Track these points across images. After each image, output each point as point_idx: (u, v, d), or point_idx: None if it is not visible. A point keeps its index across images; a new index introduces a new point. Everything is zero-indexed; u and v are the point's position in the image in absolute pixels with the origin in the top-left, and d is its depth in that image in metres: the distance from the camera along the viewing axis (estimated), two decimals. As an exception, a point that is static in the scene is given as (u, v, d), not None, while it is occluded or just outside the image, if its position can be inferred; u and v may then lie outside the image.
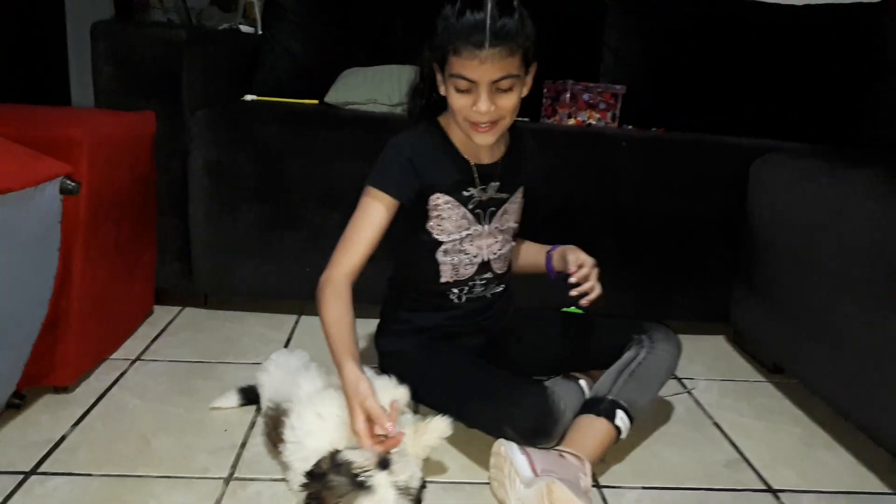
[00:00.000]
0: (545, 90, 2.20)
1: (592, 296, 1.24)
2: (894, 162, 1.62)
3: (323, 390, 1.16)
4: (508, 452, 1.13)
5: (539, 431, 1.18)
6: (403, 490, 1.00)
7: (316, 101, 2.11)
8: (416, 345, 1.37)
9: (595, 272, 1.27)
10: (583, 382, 1.39)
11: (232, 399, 1.38)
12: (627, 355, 1.29)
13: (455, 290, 1.35)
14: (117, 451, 1.20)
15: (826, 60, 2.30)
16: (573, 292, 1.24)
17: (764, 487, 1.22)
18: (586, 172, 1.80)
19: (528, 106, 2.14)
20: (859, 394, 1.28)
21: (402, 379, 1.22)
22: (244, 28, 2.48)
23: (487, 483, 1.18)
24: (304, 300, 1.86)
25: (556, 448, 1.17)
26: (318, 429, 1.09)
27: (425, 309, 1.38)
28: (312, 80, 2.17)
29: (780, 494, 1.20)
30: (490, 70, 1.10)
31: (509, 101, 1.15)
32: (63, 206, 1.25)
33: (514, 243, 1.39)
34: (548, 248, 1.42)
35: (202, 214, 1.77)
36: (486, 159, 1.29)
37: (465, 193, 1.27)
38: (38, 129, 1.33)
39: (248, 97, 2.11)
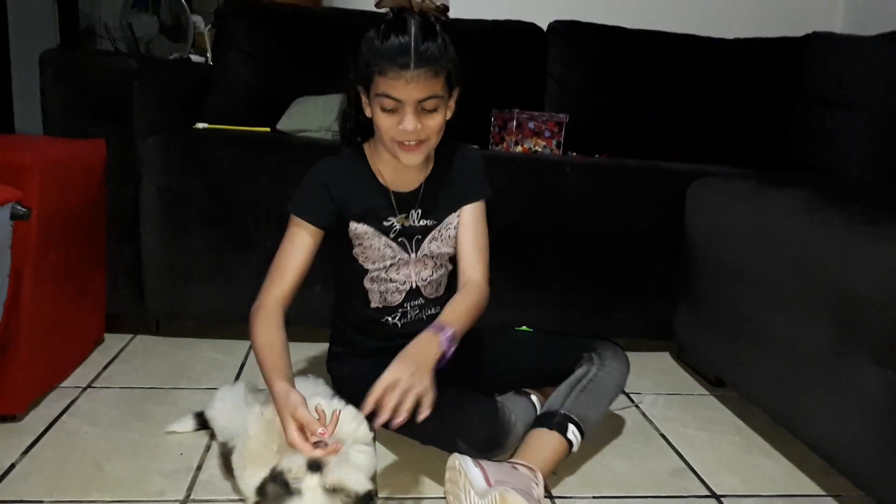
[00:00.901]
0: (493, 119, 2.27)
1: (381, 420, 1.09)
2: (815, 182, 1.73)
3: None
4: (462, 465, 1.16)
5: (491, 443, 1.21)
6: (335, 492, 1.02)
7: (268, 129, 2.13)
8: (367, 365, 1.37)
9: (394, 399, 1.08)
10: (534, 397, 1.44)
11: (187, 423, 1.37)
12: (579, 372, 1.33)
13: (388, 318, 1.37)
14: (68, 477, 1.19)
15: (756, 89, 2.44)
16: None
17: (708, 493, 1.28)
18: (533, 197, 1.86)
19: (477, 134, 2.26)
20: (792, 401, 1.36)
21: (356, 401, 1.23)
22: (194, 57, 2.49)
23: (443, 497, 1.20)
24: (257, 325, 1.87)
25: (509, 461, 1.20)
26: (251, 473, 1.10)
27: (367, 333, 1.40)
28: (263, 109, 2.20)
29: (723, 500, 1.26)
30: (415, 90, 1.14)
31: (434, 122, 1.19)
32: (13, 231, 1.25)
33: (449, 267, 1.39)
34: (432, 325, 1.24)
35: (154, 239, 1.77)
36: (405, 186, 1.31)
37: (386, 223, 1.30)
38: (-10, 154, 1.33)
39: (200, 125, 2.11)
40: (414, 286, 1.35)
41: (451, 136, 1.33)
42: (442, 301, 1.39)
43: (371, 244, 1.30)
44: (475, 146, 1.49)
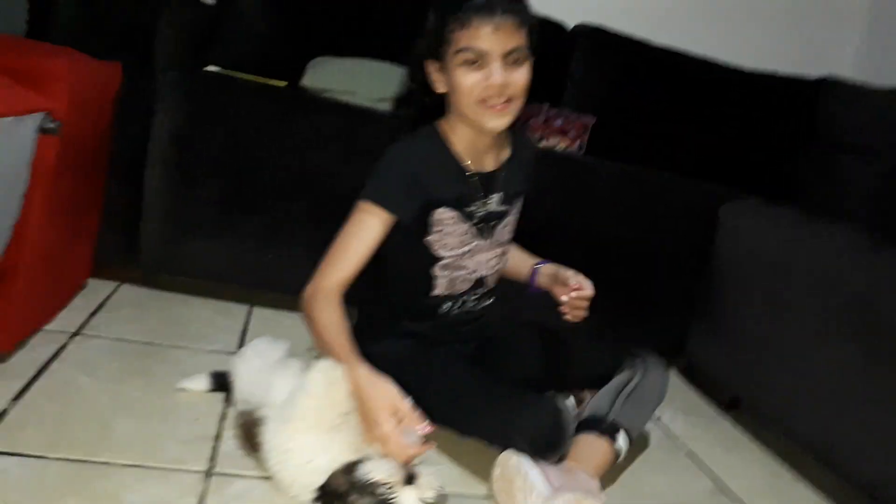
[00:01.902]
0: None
1: (577, 318, 1.25)
2: (854, 221, 1.73)
3: (295, 395, 1.03)
4: (521, 466, 1.07)
5: (551, 445, 1.13)
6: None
7: (284, 83, 1.99)
8: (406, 347, 1.28)
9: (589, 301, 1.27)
10: (570, 401, 1.37)
11: (202, 382, 1.24)
12: (621, 377, 1.25)
13: (447, 305, 1.28)
14: (73, 433, 1.04)
15: (768, 123, 2.46)
16: (565, 311, 1.24)
17: (750, 518, 1.24)
18: (561, 196, 1.80)
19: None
20: (827, 432, 1.33)
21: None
22: (206, -3, 2.31)
23: (488, 497, 1.11)
24: (257, 289, 1.73)
25: (564, 465, 1.12)
26: (301, 446, 0.97)
27: (411, 317, 1.30)
28: (276, 62, 2.05)
29: (766, 526, 1.22)
30: (503, 39, 1.06)
31: (521, 77, 1.10)
32: (37, 146, 1.09)
33: (504, 252, 1.34)
34: (534, 261, 1.39)
35: (160, 184, 1.60)
36: (489, 165, 1.24)
37: (469, 208, 1.22)
38: (17, 57, 1.15)
39: (212, 67, 1.95)
40: (482, 274, 1.28)
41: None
42: (495, 292, 1.34)
43: (454, 230, 1.21)
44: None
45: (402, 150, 1.18)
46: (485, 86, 1.08)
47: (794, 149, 2.44)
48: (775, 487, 1.37)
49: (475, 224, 1.23)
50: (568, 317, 1.29)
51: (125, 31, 1.56)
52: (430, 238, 1.21)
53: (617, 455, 1.16)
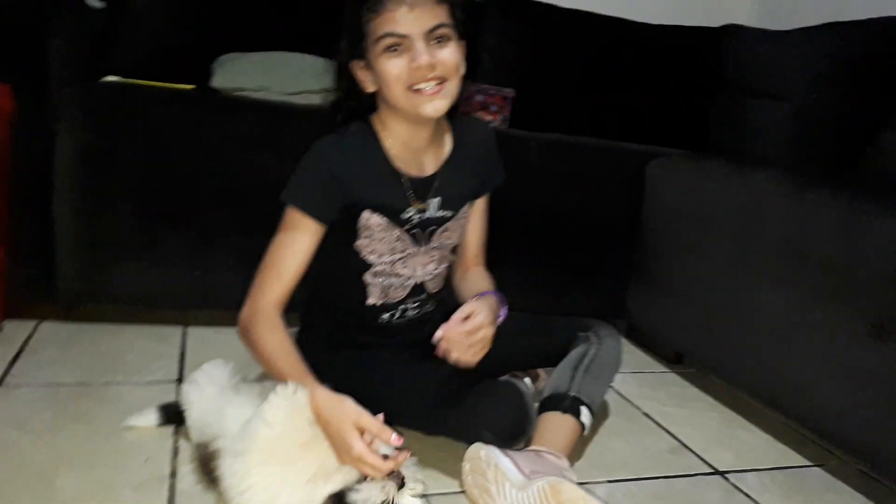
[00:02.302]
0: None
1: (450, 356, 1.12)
2: (778, 166, 1.78)
3: (252, 425, 0.96)
4: (491, 456, 1.07)
5: (517, 432, 1.13)
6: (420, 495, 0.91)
7: (191, 86, 1.89)
8: (352, 355, 1.25)
9: (469, 343, 1.11)
10: (527, 380, 1.37)
11: (150, 417, 1.17)
12: (577, 351, 1.26)
13: (385, 315, 1.25)
14: (12, 498, 0.96)
15: (678, 75, 2.51)
16: (440, 344, 1.12)
17: (712, 471, 1.27)
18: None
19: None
20: (778, 377, 1.39)
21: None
22: (91, 2, 2.16)
23: (460, 492, 1.10)
24: (190, 309, 1.66)
25: (531, 448, 1.12)
26: (263, 481, 0.91)
27: (351, 325, 1.27)
28: (180, 65, 1.95)
29: (727, 475, 1.26)
30: (421, 17, 1.02)
31: (450, 55, 1.05)
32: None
33: (452, 258, 1.30)
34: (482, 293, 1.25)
35: (71, 208, 1.50)
36: (428, 167, 1.18)
37: (403, 215, 1.16)
38: None
39: (110, 78, 1.83)
40: (419, 281, 1.24)
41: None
42: (439, 297, 1.30)
43: (382, 237, 1.16)
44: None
45: (323, 149, 1.12)
46: (412, 69, 1.02)
47: (705, 98, 2.51)
48: (730, 435, 1.42)
49: (408, 231, 1.18)
50: (452, 357, 1.12)
51: (15, 46, 1.43)
52: (358, 243, 1.17)
53: (582, 429, 1.17)
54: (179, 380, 1.37)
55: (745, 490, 1.21)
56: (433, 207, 1.19)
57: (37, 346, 1.46)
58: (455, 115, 1.19)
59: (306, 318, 1.32)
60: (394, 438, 0.91)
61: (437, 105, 1.06)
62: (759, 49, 2.39)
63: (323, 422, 0.95)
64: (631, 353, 1.86)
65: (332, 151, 1.12)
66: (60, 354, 1.43)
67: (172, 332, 1.61)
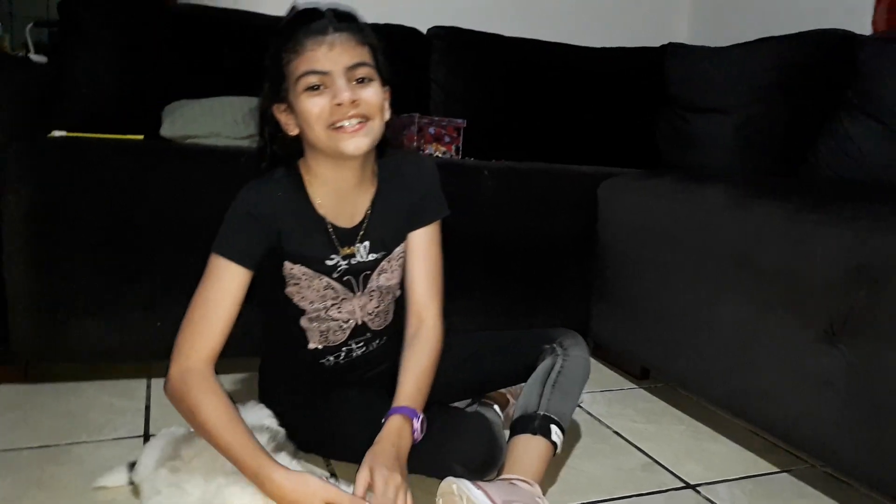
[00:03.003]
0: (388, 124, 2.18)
1: None
2: (726, 180, 1.83)
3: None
4: (463, 489, 1.06)
5: (487, 463, 1.14)
6: None
7: (140, 137, 1.88)
8: (314, 397, 1.24)
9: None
10: (496, 408, 1.38)
11: (120, 475, 1.14)
12: (543, 366, 1.24)
13: (330, 357, 1.23)
14: (-24, 573, 0.93)
15: (623, 95, 2.58)
16: None
17: (683, 485, 1.29)
18: (452, 203, 1.80)
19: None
20: (739, 386, 1.42)
21: (303, 434, 1.17)
22: (34, 57, 2.14)
23: (437, 527, 1.10)
24: (153, 361, 1.63)
25: (503, 477, 1.13)
26: None
27: (303, 372, 1.25)
28: (127, 116, 1.94)
29: (699, 489, 1.28)
30: (342, 55, 1.02)
31: (371, 93, 1.04)
32: None
33: (397, 293, 1.26)
34: (396, 402, 1.13)
35: (23, 267, 1.47)
36: (347, 220, 1.15)
37: (328, 262, 1.14)
38: None
39: (56, 133, 1.81)
40: (360, 322, 1.22)
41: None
42: (388, 331, 1.27)
43: (310, 285, 1.15)
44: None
45: (249, 195, 1.10)
46: (333, 106, 1.02)
47: (651, 116, 2.58)
48: (699, 448, 1.44)
49: (338, 279, 1.16)
50: None
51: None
52: (288, 290, 1.15)
53: (554, 448, 1.16)
54: (146, 434, 1.34)
55: (717, 502, 1.23)
56: (362, 252, 1.17)
57: (-5, 410, 1.43)
58: (384, 153, 1.18)
59: (264, 357, 1.32)
60: None
61: (359, 143, 1.04)
62: (700, 65, 2.47)
63: (287, 502, 0.92)
64: (598, 371, 1.88)
65: (253, 196, 1.10)
66: (19, 417, 1.40)
67: (136, 386, 1.58)
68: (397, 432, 1.08)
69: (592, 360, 1.90)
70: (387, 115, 1.10)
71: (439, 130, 2.13)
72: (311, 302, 1.16)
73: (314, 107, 1.03)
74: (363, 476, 0.99)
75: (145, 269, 1.54)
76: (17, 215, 1.44)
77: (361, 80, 1.04)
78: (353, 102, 1.02)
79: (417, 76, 2.43)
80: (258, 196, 1.10)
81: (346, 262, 1.15)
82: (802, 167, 2.09)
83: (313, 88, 1.03)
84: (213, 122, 1.84)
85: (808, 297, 1.26)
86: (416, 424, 1.10)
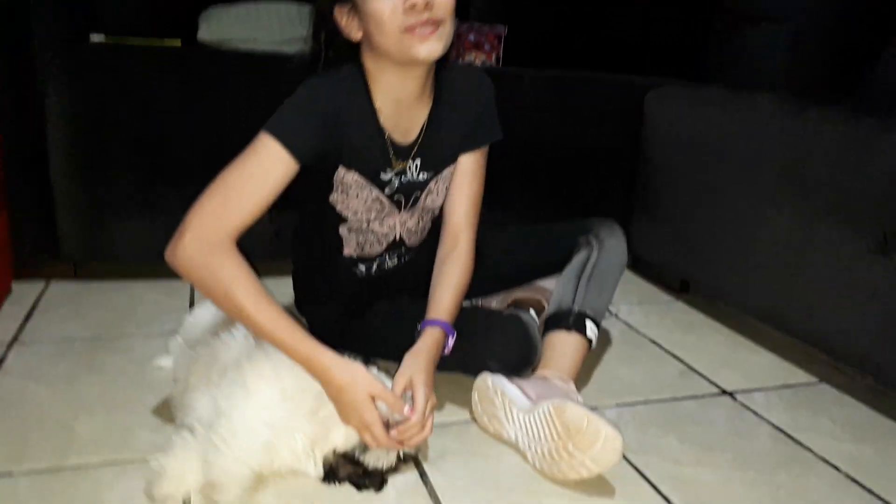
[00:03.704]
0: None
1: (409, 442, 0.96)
2: (779, 89, 1.76)
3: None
4: (498, 384, 1.08)
5: (523, 361, 1.15)
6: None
7: (178, 41, 1.86)
8: (353, 307, 1.24)
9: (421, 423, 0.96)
10: (532, 312, 1.38)
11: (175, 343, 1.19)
12: (579, 258, 1.21)
13: (362, 266, 1.21)
14: (35, 443, 0.99)
15: (675, 3, 2.46)
16: (394, 433, 0.93)
17: (719, 391, 1.29)
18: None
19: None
20: (784, 298, 1.39)
21: (337, 343, 1.09)
22: (73, -40, 2.12)
23: (472, 420, 1.12)
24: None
25: (539, 373, 1.14)
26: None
27: (333, 278, 1.23)
28: (165, 19, 1.93)
29: (735, 395, 1.27)
30: None
31: None
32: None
33: (436, 214, 1.22)
34: (434, 313, 1.11)
35: (67, 171, 1.50)
36: (404, 134, 1.09)
37: (383, 176, 1.10)
38: None
39: (95, 37, 1.81)
40: (398, 237, 1.19)
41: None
42: (422, 248, 1.25)
43: (358, 195, 1.10)
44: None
45: (317, 87, 1.02)
46: (406, 8, 0.94)
47: (702, 26, 2.46)
48: (737, 358, 1.44)
49: (388, 196, 1.12)
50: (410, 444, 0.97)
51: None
52: (333, 197, 1.11)
53: (589, 345, 1.16)
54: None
55: (753, 408, 1.23)
56: (413, 170, 1.12)
57: (48, 304, 1.48)
58: (445, 65, 1.10)
59: (297, 264, 1.32)
60: (407, 410, 0.92)
61: (432, 47, 0.97)
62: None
63: (335, 388, 0.92)
64: (636, 284, 1.86)
65: (319, 90, 1.02)
66: (71, 311, 1.45)
67: (180, 287, 1.62)
68: (436, 345, 1.06)
69: (630, 274, 1.91)
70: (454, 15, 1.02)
71: (479, 38, 2.07)
72: (356, 212, 1.13)
73: (386, 8, 0.94)
74: (402, 382, 0.97)
75: (187, 172, 1.55)
76: (61, 121, 1.46)
77: None
78: (427, 5, 0.94)
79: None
80: (324, 90, 1.02)
81: (398, 178, 1.11)
82: (860, 83, 1.99)
83: None
84: (249, 26, 1.81)
85: (861, 208, 1.22)
86: (450, 342, 1.09)
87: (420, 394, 0.96)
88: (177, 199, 1.56)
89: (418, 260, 1.25)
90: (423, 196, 1.16)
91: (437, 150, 1.13)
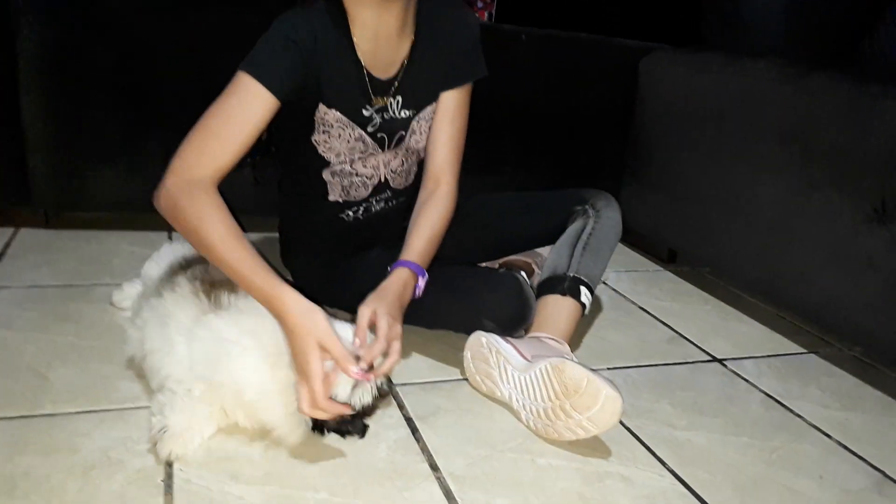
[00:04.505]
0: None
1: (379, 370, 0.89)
2: (779, 54, 1.73)
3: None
4: (493, 343, 1.06)
5: (517, 319, 1.12)
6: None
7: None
8: (339, 257, 1.21)
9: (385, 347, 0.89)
10: (523, 274, 1.35)
11: (134, 287, 1.17)
12: (574, 227, 1.20)
13: (349, 212, 1.18)
14: (7, 391, 0.94)
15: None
16: (362, 364, 0.84)
17: (710, 358, 1.28)
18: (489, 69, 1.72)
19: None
20: (769, 267, 1.38)
21: (322, 294, 1.05)
22: None
23: (463, 379, 1.10)
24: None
25: (532, 335, 1.11)
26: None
27: (320, 226, 1.21)
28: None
29: (725, 362, 1.27)
30: None
31: None
32: None
33: (422, 155, 1.19)
34: (406, 255, 1.07)
35: (40, 111, 1.43)
36: (384, 69, 1.06)
37: (364, 113, 1.06)
38: None
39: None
40: (383, 179, 1.16)
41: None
42: (408, 192, 1.22)
43: (340, 134, 1.07)
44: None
45: (294, 20, 0.98)
46: None
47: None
48: (726, 327, 1.43)
49: (371, 134, 1.09)
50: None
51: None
52: (315, 137, 1.08)
53: (583, 310, 1.14)
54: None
55: (744, 375, 1.22)
56: (394, 106, 1.09)
57: (18, 251, 1.42)
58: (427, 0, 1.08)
59: (282, 218, 1.28)
60: (354, 371, 0.81)
61: None
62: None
63: (288, 329, 0.84)
64: (624, 253, 1.85)
65: (294, 24, 0.98)
66: (43, 259, 1.39)
67: (157, 238, 1.56)
68: (403, 284, 1.01)
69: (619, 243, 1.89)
70: None
71: (473, -5, 2.02)
72: (338, 154, 1.10)
73: None
74: (366, 313, 0.91)
75: (164, 118, 1.49)
76: (31, 57, 1.39)
77: None
78: None
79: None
80: (300, 25, 0.98)
81: (379, 115, 1.08)
82: (859, 54, 1.98)
83: None
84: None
85: (859, 175, 1.21)
86: (421, 283, 1.05)
87: (383, 321, 0.90)
88: (155, 145, 1.51)
89: (407, 205, 1.22)
90: (407, 136, 1.13)
91: (417, 86, 1.10)
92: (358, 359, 0.84)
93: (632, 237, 1.91)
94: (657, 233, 1.76)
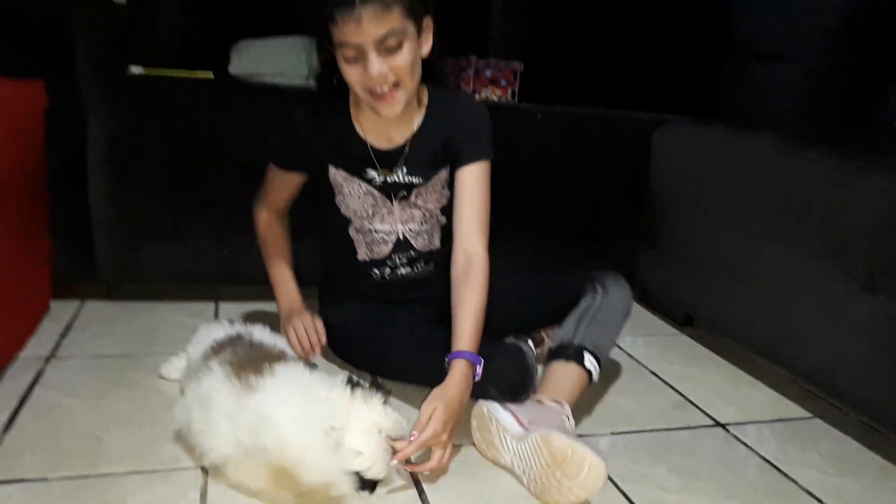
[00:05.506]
0: (446, 67, 2.22)
1: (418, 468, 1.06)
2: (777, 128, 1.81)
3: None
4: (492, 412, 1.15)
5: (519, 387, 1.21)
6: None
7: (210, 74, 1.98)
8: (363, 313, 1.37)
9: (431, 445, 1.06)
10: (530, 342, 1.44)
11: (179, 360, 1.32)
12: (584, 303, 1.29)
13: (376, 271, 1.35)
14: (67, 452, 1.07)
15: (687, 41, 2.53)
16: (398, 457, 1.01)
17: (713, 423, 1.34)
18: (504, 144, 1.84)
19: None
20: (779, 333, 1.44)
21: (350, 350, 1.35)
22: (116, -2, 2.26)
23: (473, 445, 1.19)
24: (220, 285, 1.76)
25: (536, 397, 1.20)
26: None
27: (355, 281, 1.38)
28: (198, 53, 2.05)
29: (728, 427, 1.32)
30: (369, 29, 1.04)
31: (402, 60, 1.09)
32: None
33: (442, 221, 1.34)
34: (458, 346, 1.16)
35: (104, 195, 1.61)
36: (386, 143, 1.25)
37: (367, 174, 1.27)
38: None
39: (134, 69, 1.93)
40: (401, 237, 1.32)
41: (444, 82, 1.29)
42: (436, 257, 1.35)
43: (350, 191, 1.28)
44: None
45: (296, 114, 1.27)
46: (366, 77, 1.09)
47: (714, 63, 2.52)
48: (734, 391, 1.48)
49: (378, 188, 1.27)
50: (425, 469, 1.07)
51: (42, 43, 1.54)
52: (336, 200, 1.30)
53: (589, 376, 1.22)
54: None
55: (744, 440, 1.28)
56: (399, 174, 1.27)
57: (83, 322, 1.58)
58: (436, 84, 1.26)
59: (323, 278, 1.47)
60: (395, 464, 1.01)
61: (393, 108, 1.14)
62: (766, 10, 2.39)
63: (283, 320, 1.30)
64: (643, 316, 1.92)
65: (297, 113, 1.28)
66: (103, 330, 1.55)
67: (205, 308, 1.72)
68: (465, 378, 1.11)
69: (638, 306, 1.97)
70: (424, 51, 1.14)
71: (496, 73, 2.16)
72: (355, 211, 1.30)
73: (351, 74, 1.11)
74: (428, 410, 1.05)
75: (214, 200, 1.66)
76: (98, 147, 1.57)
77: (391, 49, 1.08)
78: (383, 75, 1.09)
79: (478, 19, 2.45)
80: (304, 113, 1.28)
81: (383, 177, 1.27)
82: (870, 121, 2.03)
83: (350, 58, 1.09)
84: (277, 60, 1.92)
85: (849, 247, 1.27)
86: (478, 370, 1.15)
87: (431, 428, 1.03)
88: (204, 223, 1.67)
89: (437, 275, 1.35)
90: (413, 195, 1.29)
91: (422, 158, 1.27)
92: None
93: (651, 301, 1.99)
94: (673, 297, 1.83)
